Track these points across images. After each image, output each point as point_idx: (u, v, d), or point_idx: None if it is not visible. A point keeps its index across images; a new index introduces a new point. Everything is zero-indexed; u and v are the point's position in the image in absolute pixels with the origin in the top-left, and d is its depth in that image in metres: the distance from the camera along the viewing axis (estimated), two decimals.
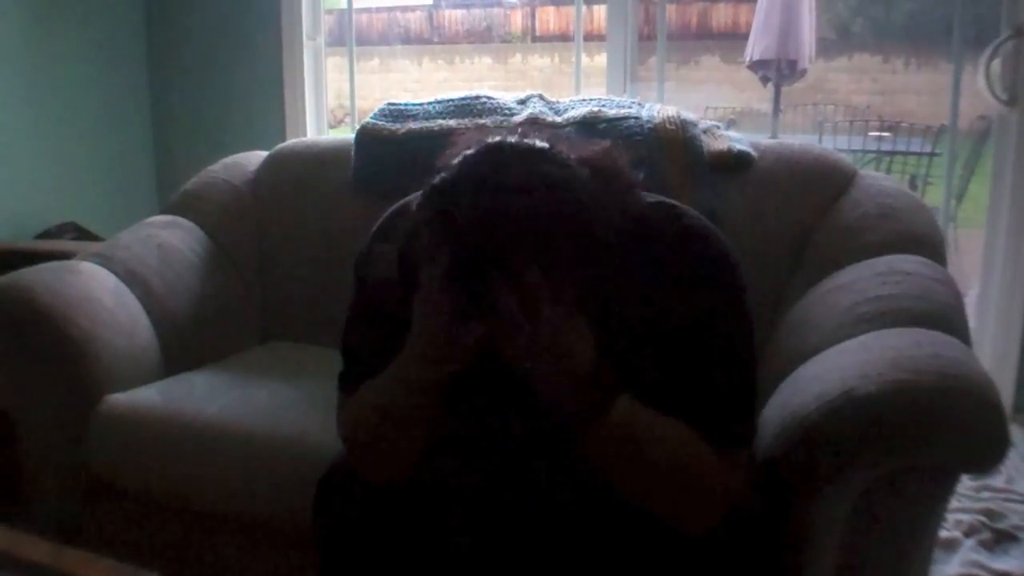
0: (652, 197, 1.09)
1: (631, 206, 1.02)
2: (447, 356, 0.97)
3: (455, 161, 0.96)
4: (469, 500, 1.11)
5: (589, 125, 1.81)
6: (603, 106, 1.89)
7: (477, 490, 1.11)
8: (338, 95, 4.26)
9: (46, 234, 2.82)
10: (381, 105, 2.05)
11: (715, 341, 1.02)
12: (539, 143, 0.98)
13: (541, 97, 1.99)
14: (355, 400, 1.10)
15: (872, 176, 1.78)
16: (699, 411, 0.99)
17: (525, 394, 0.97)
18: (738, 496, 1.01)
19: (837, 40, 9.29)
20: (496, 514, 1.10)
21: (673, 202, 1.11)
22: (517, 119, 1.86)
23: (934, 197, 4.58)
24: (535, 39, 11.11)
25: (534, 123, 1.79)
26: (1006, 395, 2.40)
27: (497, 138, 0.97)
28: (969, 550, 1.86)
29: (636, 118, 1.81)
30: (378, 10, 11.11)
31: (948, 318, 1.27)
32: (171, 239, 1.94)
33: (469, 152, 0.96)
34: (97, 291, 1.71)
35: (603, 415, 0.95)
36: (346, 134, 2.19)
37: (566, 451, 1.01)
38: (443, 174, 0.95)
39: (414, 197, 1.09)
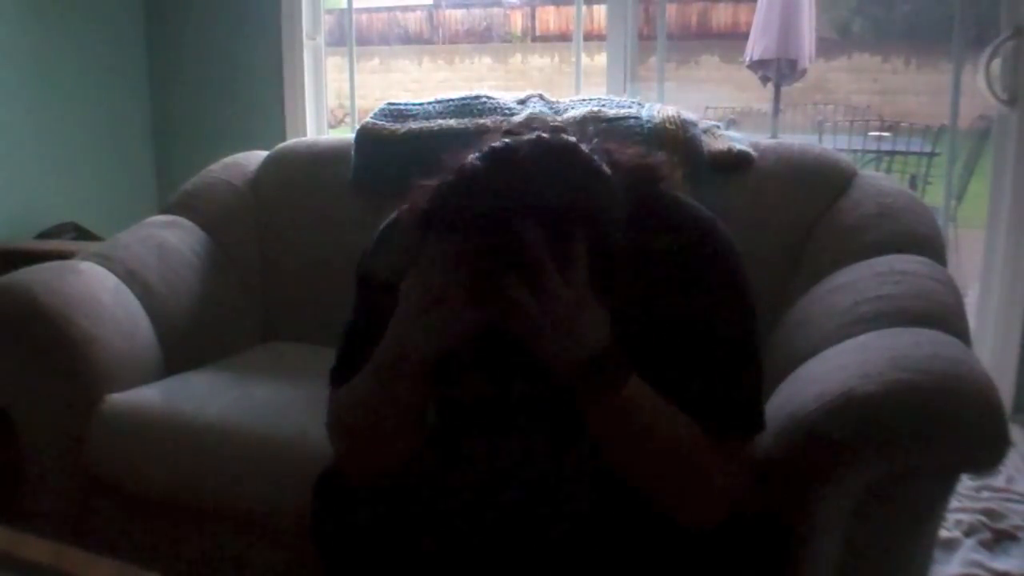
0: (678, 194, 1.10)
1: (650, 198, 1.02)
2: (444, 331, 0.95)
3: (474, 154, 0.95)
4: (469, 497, 1.10)
5: (589, 125, 1.81)
6: (603, 106, 1.89)
7: (477, 486, 1.10)
8: (338, 95, 4.27)
9: (46, 234, 2.82)
10: (381, 105, 2.05)
11: (718, 330, 1.02)
12: (565, 138, 0.98)
13: (541, 97, 1.99)
14: (344, 391, 1.10)
15: (872, 176, 1.78)
16: (703, 402, 0.98)
17: (533, 374, 0.96)
18: (740, 493, 1.01)
19: (837, 40, 9.30)
20: (497, 512, 1.10)
21: (683, 196, 1.11)
22: (517, 119, 1.86)
23: (934, 197, 4.58)
24: (535, 39, 11.12)
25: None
26: (1006, 395, 2.40)
27: (530, 135, 0.96)
28: (969, 550, 1.86)
29: (636, 118, 1.81)
30: (378, 10, 11.12)
31: (948, 318, 1.27)
32: (171, 239, 1.95)
33: (491, 146, 0.96)
34: (97, 291, 1.71)
35: (614, 393, 0.94)
36: (346, 134, 2.19)
37: (573, 431, 0.99)
38: (467, 162, 0.95)
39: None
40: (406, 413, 1.03)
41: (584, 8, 3.05)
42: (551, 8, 10.88)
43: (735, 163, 1.74)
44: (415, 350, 0.96)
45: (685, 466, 0.98)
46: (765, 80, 5.12)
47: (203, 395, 1.64)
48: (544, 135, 0.97)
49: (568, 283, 0.91)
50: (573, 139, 0.99)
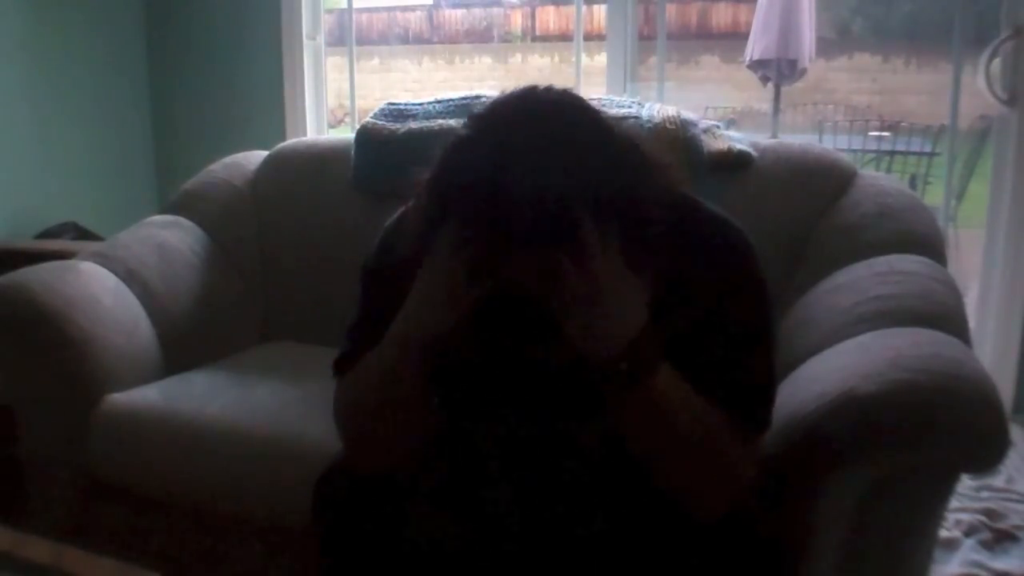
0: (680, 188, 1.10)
1: (663, 189, 1.02)
2: (449, 309, 0.94)
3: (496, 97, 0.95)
4: (470, 499, 1.10)
5: None
6: (603, 106, 1.88)
7: (480, 487, 1.10)
8: (338, 95, 4.27)
9: (46, 234, 2.82)
10: (381, 105, 2.05)
11: (737, 325, 1.01)
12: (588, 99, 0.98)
13: None
14: (350, 376, 1.09)
15: (872, 176, 1.78)
16: (721, 394, 0.98)
17: (545, 366, 0.95)
18: (752, 482, 1.00)
19: (837, 40, 9.28)
20: (498, 512, 1.10)
21: (693, 194, 1.11)
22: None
23: (934, 197, 4.58)
24: (535, 39, 11.11)
25: None
26: (1006, 395, 2.40)
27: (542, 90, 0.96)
28: (969, 550, 1.86)
29: (636, 118, 1.81)
30: (378, 10, 11.10)
31: (948, 318, 1.27)
32: (171, 239, 1.95)
33: (509, 92, 0.95)
34: (97, 291, 1.71)
35: (647, 379, 0.92)
36: (346, 134, 2.19)
37: (599, 418, 0.98)
38: (484, 107, 0.94)
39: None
40: (411, 394, 1.02)
41: (584, 8, 3.05)
42: (551, 8, 10.86)
43: (735, 163, 1.75)
44: (426, 326, 0.96)
45: (706, 453, 0.97)
46: (765, 80, 5.11)
47: (203, 395, 1.64)
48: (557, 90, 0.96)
49: (606, 257, 0.89)
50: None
